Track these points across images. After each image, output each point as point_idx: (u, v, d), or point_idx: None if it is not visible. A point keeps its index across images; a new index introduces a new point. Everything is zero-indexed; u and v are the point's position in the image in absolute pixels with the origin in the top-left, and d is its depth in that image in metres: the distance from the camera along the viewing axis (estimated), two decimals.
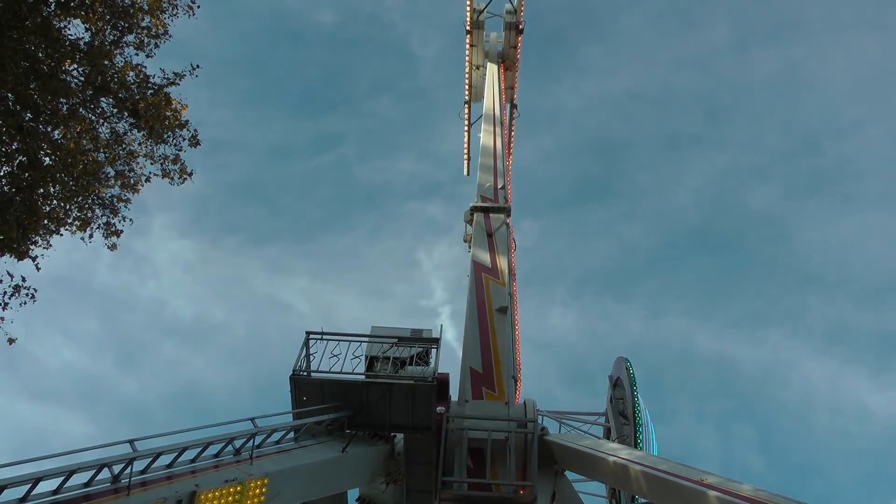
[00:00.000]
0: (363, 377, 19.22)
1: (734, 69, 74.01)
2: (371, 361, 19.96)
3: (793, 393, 69.28)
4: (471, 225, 26.49)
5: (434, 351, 19.94)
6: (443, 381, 20.19)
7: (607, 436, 23.69)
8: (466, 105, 36.15)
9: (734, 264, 75.78)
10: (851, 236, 71.37)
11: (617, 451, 19.32)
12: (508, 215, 26.48)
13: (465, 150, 36.34)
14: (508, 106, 35.98)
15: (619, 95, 75.88)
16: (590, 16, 74.62)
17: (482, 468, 20.00)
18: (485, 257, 24.41)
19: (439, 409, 19.84)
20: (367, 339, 20.05)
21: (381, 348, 20.07)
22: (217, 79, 66.97)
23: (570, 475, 21.51)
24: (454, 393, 21.17)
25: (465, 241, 27.02)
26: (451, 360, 23.35)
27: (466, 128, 36.18)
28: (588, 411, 25.04)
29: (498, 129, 31.29)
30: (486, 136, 30.83)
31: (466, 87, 35.97)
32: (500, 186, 27.82)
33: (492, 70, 35.01)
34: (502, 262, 24.34)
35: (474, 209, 26.30)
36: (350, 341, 19.33)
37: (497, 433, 19.82)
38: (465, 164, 36.53)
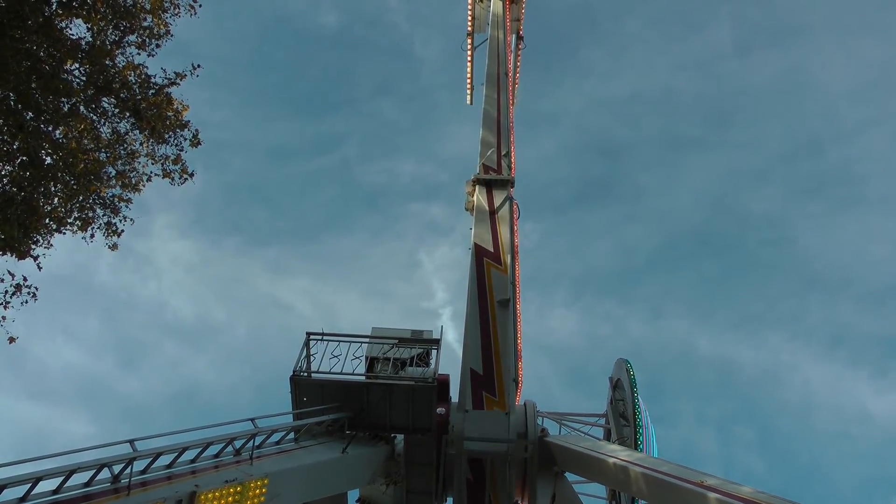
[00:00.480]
0: (363, 378, 19.23)
1: (736, 72, 74.08)
2: (371, 362, 19.96)
3: (793, 395, 69.34)
4: (472, 196, 25.34)
5: (434, 352, 19.95)
6: (443, 382, 20.20)
7: (607, 437, 23.68)
8: (469, 37, 35.23)
9: (735, 266, 75.86)
10: (853, 239, 71.44)
11: (617, 453, 19.34)
12: (512, 187, 25.25)
13: (469, 80, 35.09)
14: (514, 37, 35.14)
15: (621, 97, 75.96)
16: (591, 18, 74.66)
17: (482, 480, 20.41)
18: (486, 239, 23.48)
19: (439, 410, 19.85)
20: (367, 339, 20.05)
21: (382, 349, 20.08)
22: (219, 79, 67.07)
23: (570, 476, 21.53)
24: (454, 393, 21.19)
25: (466, 209, 25.71)
26: (451, 361, 23.22)
27: (469, 59, 35.01)
28: (588, 412, 25.06)
29: (503, 89, 29.19)
30: (489, 97, 28.74)
31: (469, 18, 35.11)
32: (503, 153, 26.28)
33: (496, 9, 33.79)
34: (505, 246, 23.42)
35: (476, 181, 25.13)
36: (350, 342, 19.34)
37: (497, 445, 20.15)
38: (469, 94, 35.33)
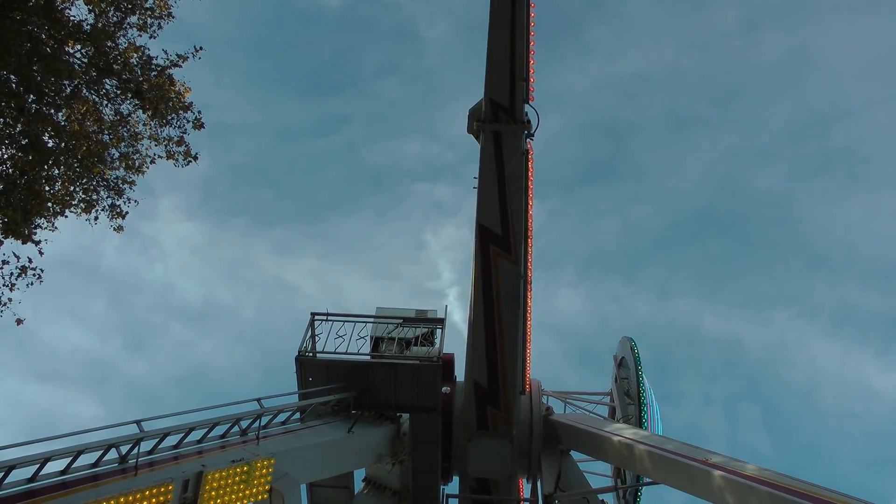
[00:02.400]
0: (368, 358, 19.27)
1: (742, 51, 73.17)
2: (376, 342, 20.02)
3: (799, 374, 69.29)
4: (477, 139, 18.50)
5: (439, 331, 19.96)
6: (448, 362, 20.27)
7: (612, 416, 23.78)
8: None
9: (741, 245, 75.51)
10: (858, 217, 70.98)
11: (621, 431, 19.41)
12: (529, 134, 18.12)
13: None
14: None
15: (627, 77, 75.19)
16: None
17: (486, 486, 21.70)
18: (494, 219, 18.45)
19: (444, 389, 19.91)
20: (372, 319, 20.07)
21: (387, 329, 20.10)
22: (223, 60, 66.61)
23: (575, 455, 21.64)
24: (459, 373, 21.25)
25: (469, 133, 18.65)
26: (456, 340, 23.10)
27: None
28: (593, 391, 25.14)
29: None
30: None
31: None
32: (520, 78, 17.60)
33: None
34: (517, 227, 18.66)
35: (480, 125, 18.01)
36: (355, 322, 19.34)
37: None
38: None
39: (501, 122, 17.67)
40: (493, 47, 16.85)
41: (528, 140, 18.36)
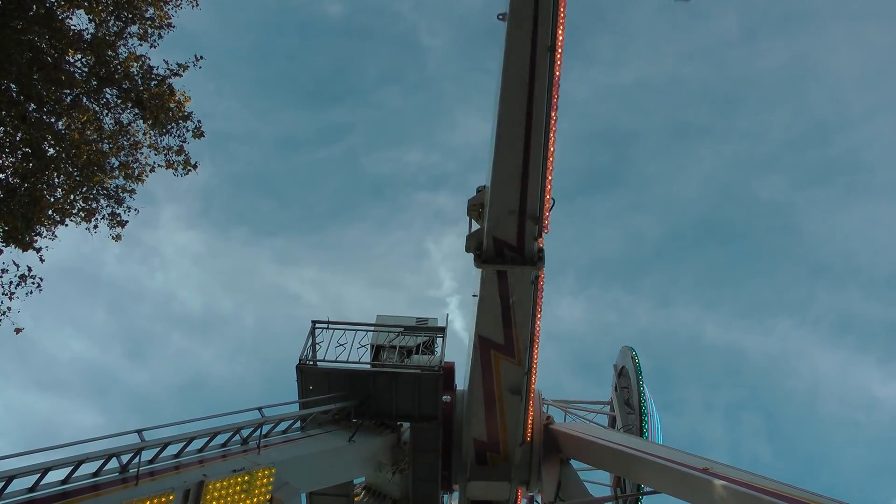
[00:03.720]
0: (369, 366, 19.25)
1: (742, 59, 73.52)
2: (377, 350, 20.00)
3: (801, 382, 69.39)
4: (474, 260, 15.61)
5: (440, 340, 19.94)
6: (449, 370, 20.23)
7: (613, 425, 23.76)
8: None
9: (742, 254, 75.73)
10: (859, 226, 71.21)
11: (621, 440, 19.40)
12: (541, 267, 15.44)
13: None
14: None
15: (628, 86, 75.46)
16: (597, 6, 74.12)
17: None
18: (496, 333, 16.76)
19: (445, 397, 19.89)
20: (372, 328, 20.06)
21: (388, 337, 20.09)
22: (224, 70, 66.78)
23: (575, 464, 21.62)
24: (459, 381, 21.23)
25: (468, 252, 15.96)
26: (457, 348, 23.01)
27: None
28: (593, 400, 25.13)
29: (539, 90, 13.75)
30: (507, 113, 13.46)
31: None
32: (532, 213, 14.12)
33: None
34: (521, 338, 16.74)
35: (482, 265, 15.28)
36: (356, 330, 19.32)
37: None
38: None
39: (507, 261, 14.48)
40: (497, 185, 13.13)
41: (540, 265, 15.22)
